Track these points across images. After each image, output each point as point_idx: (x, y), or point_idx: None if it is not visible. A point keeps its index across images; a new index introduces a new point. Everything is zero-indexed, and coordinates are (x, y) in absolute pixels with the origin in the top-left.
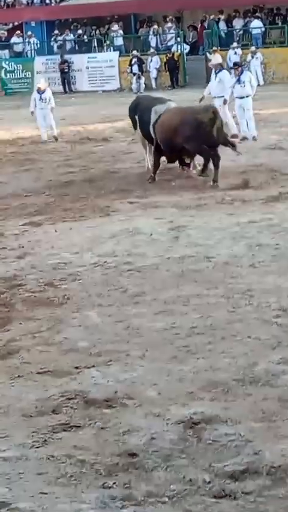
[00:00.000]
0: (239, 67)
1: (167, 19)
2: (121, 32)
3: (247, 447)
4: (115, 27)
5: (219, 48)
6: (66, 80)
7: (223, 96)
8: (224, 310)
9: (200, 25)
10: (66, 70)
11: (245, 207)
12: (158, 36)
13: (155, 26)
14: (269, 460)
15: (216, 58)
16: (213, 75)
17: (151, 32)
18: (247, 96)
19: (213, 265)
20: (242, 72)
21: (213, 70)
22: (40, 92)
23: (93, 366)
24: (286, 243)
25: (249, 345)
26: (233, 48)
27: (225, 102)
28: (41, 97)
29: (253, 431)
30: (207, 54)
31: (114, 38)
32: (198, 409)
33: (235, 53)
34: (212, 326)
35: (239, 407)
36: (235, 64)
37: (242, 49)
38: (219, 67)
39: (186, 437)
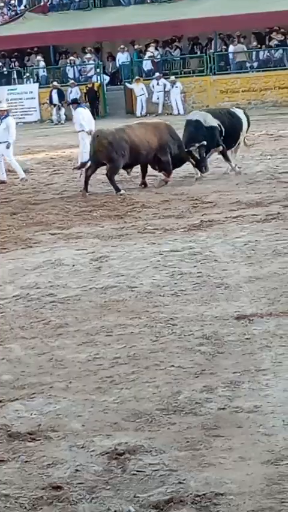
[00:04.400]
0: (74, 103)
1: (86, 50)
2: (43, 63)
3: (171, 476)
4: (37, 58)
5: (142, 78)
6: None
7: (7, 141)
8: (147, 339)
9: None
10: None
11: (167, 235)
12: (75, 67)
13: (72, 57)
14: (194, 489)
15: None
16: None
17: (68, 63)
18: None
19: (136, 294)
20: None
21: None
22: None
23: (17, 399)
24: (208, 271)
25: (172, 373)
26: (156, 79)
27: (8, 146)
28: None
29: (177, 461)
30: (127, 84)
31: (35, 70)
32: (123, 439)
33: (158, 83)
34: (135, 356)
35: (163, 436)
36: (73, 101)
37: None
38: (6, 113)
39: (110, 468)
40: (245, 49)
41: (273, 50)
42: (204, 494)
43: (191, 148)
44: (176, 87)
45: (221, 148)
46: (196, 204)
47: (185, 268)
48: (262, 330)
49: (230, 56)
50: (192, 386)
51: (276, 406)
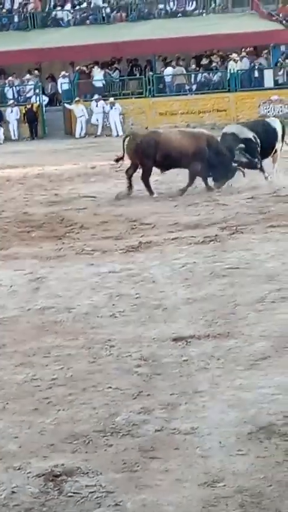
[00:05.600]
0: None
1: (31, 71)
2: None
3: (108, 498)
4: None
5: (82, 99)
6: None
7: None
8: (84, 361)
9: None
10: None
11: (105, 257)
12: (14, 87)
13: (10, 78)
14: (130, 511)
15: None
16: None
17: (7, 84)
18: None
19: (74, 316)
20: None
21: None
22: None
23: None
24: (146, 292)
25: (109, 395)
26: (95, 100)
27: None
28: None
29: (114, 482)
30: (66, 105)
31: None
32: (59, 461)
33: (96, 105)
34: (72, 377)
35: (100, 458)
36: None
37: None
38: None
39: (47, 490)
40: (184, 71)
41: (211, 73)
42: None
43: (236, 158)
44: (115, 108)
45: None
46: (134, 225)
47: (123, 290)
48: (199, 351)
49: (169, 78)
50: (129, 408)
51: (213, 428)
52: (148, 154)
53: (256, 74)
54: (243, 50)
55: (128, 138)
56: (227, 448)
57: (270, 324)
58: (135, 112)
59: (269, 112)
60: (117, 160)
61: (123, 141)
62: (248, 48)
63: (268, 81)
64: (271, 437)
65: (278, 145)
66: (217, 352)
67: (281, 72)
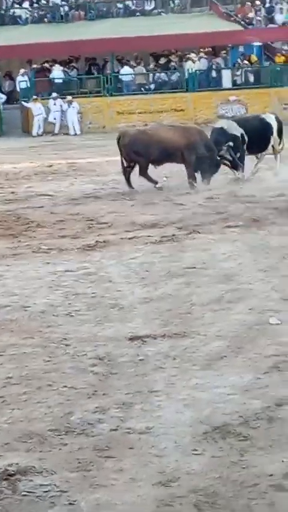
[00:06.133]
0: None
1: None
2: None
3: (62, 498)
4: None
5: (40, 98)
6: None
7: None
8: (40, 359)
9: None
10: None
11: (62, 256)
12: None
13: None
14: (84, 510)
15: None
16: None
17: None
18: None
19: (29, 314)
20: None
21: None
22: None
23: None
24: (102, 291)
25: (65, 394)
26: (53, 99)
27: None
28: None
29: (68, 482)
30: (24, 103)
31: None
32: (14, 460)
33: (54, 104)
34: (27, 376)
35: (54, 457)
36: None
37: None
38: None
39: (1, 489)
40: (144, 71)
41: (169, 73)
42: None
43: (221, 153)
44: (73, 107)
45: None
46: (91, 224)
47: (80, 289)
48: (155, 351)
49: (127, 77)
50: (84, 407)
51: (168, 427)
52: (141, 151)
53: (214, 74)
54: (201, 50)
55: (120, 137)
56: (182, 448)
57: (226, 324)
58: (93, 111)
59: (227, 112)
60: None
61: (117, 141)
62: (206, 48)
63: (226, 81)
64: (226, 437)
65: (275, 141)
66: (173, 351)
67: (239, 73)
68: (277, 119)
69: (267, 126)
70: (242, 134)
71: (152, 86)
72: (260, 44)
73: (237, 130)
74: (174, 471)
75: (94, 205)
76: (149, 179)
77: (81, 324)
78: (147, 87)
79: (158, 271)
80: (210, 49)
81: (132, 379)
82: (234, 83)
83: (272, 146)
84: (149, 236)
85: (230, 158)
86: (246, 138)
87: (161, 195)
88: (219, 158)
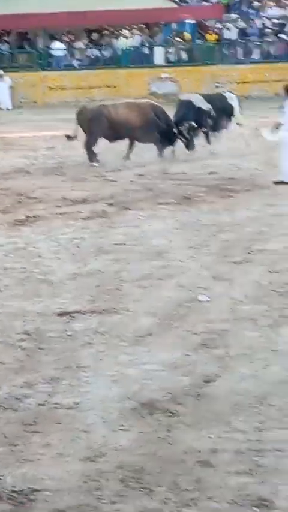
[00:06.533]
0: None
1: None
2: None
3: None
4: None
5: None
6: None
7: None
8: None
9: None
10: None
11: None
12: None
13: None
14: (11, 485)
15: None
16: None
17: None
18: None
19: None
20: None
21: None
22: None
23: None
24: (31, 266)
25: None
26: None
27: None
28: None
29: None
30: None
31: None
32: None
33: None
34: None
35: None
36: None
37: None
38: None
39: None
40: (83, 46)
41: (102, 49)
42: (21, 491)
43: (181, 128)
44: (4, 81)
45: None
46: (21, 199)
47: (9, 264)
48: (84, 327)
49: (59, 52)
50: (12, 382)
51: (95, 403)
52: (96, 126)
53: (147, 51)
54: (134, 26)
55: (80, 112)
56: (110, 424)
57: (155, 300)
58: (25, 85)
59: (159, 89)
60: (68, 138)
61: (76, 116)
62: (140, 25)
63: (158, 58)
64: (154, 413)
65: (239, 118)
66: (102, 327)
67: (171, 50)
68: (237, 98)
69: (230, 105)
70: (210, 109)
71: (85, 62)
72: (193, 21)
73: (205, 105)
74: (102, 447)
75: (25, 180)
76: (91, 154)
77: (10, 299)
78: (79, 62)
79: (87, 247)
80: (144, 26)
81: (60, 354)
82: (166, 60)
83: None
84: (79, 212)
85: (188, 137)
86: (213, 113)
87: (92, 171)
88: (177, 133)
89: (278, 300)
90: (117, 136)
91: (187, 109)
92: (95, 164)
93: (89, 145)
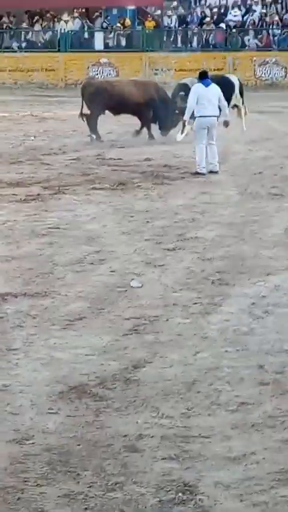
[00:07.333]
0: None
1: None
2: None
3: None
4: None
5: None
6: None
7: None
8: None
9: None
10: None
11: None
12: None
13: None
14: None
15: None
16: None
17: None
18: None
19: None
20: None
21: None
22: None
23: None
24: None
25: None
26: None
27: None
28: None
29: None
30: None
31: None
32: None
33: None
34: None
35: None
36: None
37: None
38: None
39: None
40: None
41: (42, 32)
42: None
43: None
44: None
45: None
46: None
47: None
48: (15, 309)
49: None
50: None
51: (25, 385)
52: (99, 99)
53: (86, 35)
54: (75, 10)
55: (85, 86)
56: (38, 407)
57: (88, 285)
58: None
59: (97, 74)
60: (83, 115)
61: (82, 90)
62: (80, 9)
63: (98, 43)
64: (82, 397)
65: (237, 100)
66: (33, 310)
67: (111, 35)
68: (239, 80)
69: (231, 85)
70: None
71: (24, 44)
72: (134, 7)
73: None
74: (29, 429)
75: None
76: (94, 129)
77: None
78: (18, 45)
79: (21, 230)
80: (84, 10)
81: None
82: (106, 45)
83: (236, 106)
84: (13, 195)
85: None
86: None
87: (27, 155)
88: (176, 112)
89: (209, 288)
90: (120, 110)
91: (183, 91)
92: (93, 136)
93: (91, 118)
